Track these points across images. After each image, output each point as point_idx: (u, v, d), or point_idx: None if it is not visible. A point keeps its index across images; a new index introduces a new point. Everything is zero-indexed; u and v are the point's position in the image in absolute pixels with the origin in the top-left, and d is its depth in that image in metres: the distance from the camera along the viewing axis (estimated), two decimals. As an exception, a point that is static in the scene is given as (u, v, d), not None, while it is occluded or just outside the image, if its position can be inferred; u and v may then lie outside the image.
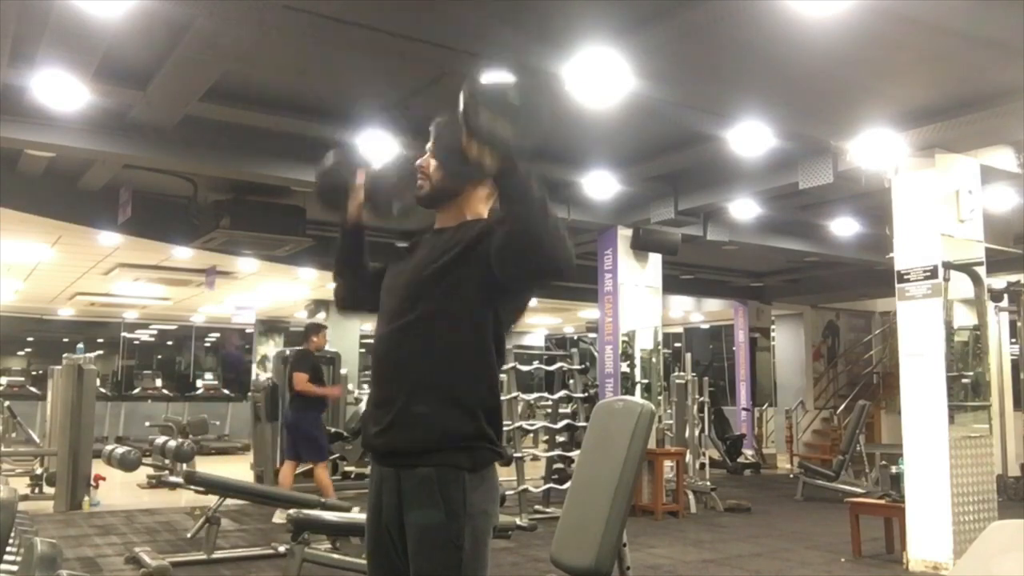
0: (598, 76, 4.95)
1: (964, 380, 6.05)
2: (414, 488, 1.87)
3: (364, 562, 2.04)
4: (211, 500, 5.99)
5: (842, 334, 15.12)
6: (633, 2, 4.49)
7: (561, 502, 4.09)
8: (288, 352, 9.38)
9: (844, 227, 9.41)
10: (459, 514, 1.84)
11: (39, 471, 8.92)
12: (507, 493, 7.93)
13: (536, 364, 8.96)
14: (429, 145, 2.11)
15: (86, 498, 8.09)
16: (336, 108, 6.26)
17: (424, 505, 1.85)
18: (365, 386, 12.35)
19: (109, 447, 8.71)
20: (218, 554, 5.81)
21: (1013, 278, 8.94)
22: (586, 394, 8.57)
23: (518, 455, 7.77)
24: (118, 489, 9.33)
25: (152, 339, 20.93)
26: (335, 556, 4.95)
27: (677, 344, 18.95)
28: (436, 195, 2.07)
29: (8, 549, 1.74)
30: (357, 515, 5.01)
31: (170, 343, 21.35)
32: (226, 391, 18.47)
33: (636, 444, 2.51)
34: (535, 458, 8.59)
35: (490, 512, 1.92)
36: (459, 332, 1.92)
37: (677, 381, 9.49)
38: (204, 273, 11.93)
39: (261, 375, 16.37)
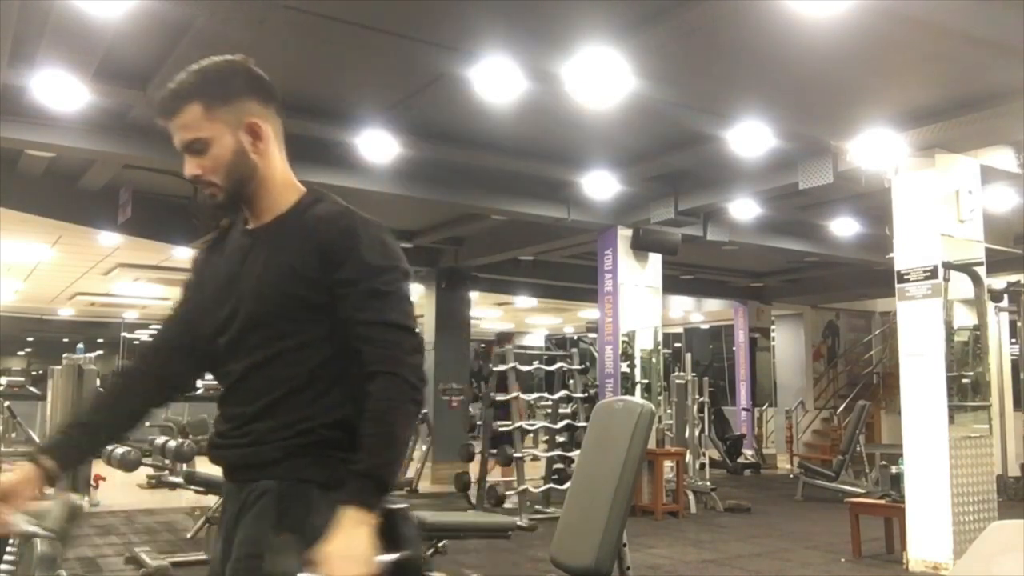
0: (598, 76, 4.95)
1: (964, 380, 6.06)
2: (250, 503, 1.60)
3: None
4: (211, 500, 6.00)
5: (842, 334, 15.12)
6: (633, 2, 4.49)
7: (561, 502, 4.09)
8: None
9: (844, 227, 9.41)
10: (295, 542, 1.50)
11: (39, 471, 8.91)
12: (507, 493, 7.97)
13: (536, 364, 8.96)
14: (180, 144, 1.68)
15: (86, 498, 8.09)
16: (336, 108, 6.25)
17: (254, 525, 1.57)
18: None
19: (109, 447, 8.71)
20: (218, 554, 5.80)
21: (1013, 278, 8.94)
22: (586, 394, 8.57)
23: (518, 455, 7.77)
24: (118, 489, 9.32)
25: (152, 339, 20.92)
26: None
27: (677, 344, 18.94)
28: (235, 195, 1.71)
29: (8, 549, 1.74)
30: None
31: (170, 343, 21.32)
32: (226, 391, 18.43)
33: (636, 444, 2.51)
34: (535, 458, 8.59)
35: None
36: (305, 349, 1.64)
37: (677, 381, 9.49)
38: (204, 273, 11.92)
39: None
